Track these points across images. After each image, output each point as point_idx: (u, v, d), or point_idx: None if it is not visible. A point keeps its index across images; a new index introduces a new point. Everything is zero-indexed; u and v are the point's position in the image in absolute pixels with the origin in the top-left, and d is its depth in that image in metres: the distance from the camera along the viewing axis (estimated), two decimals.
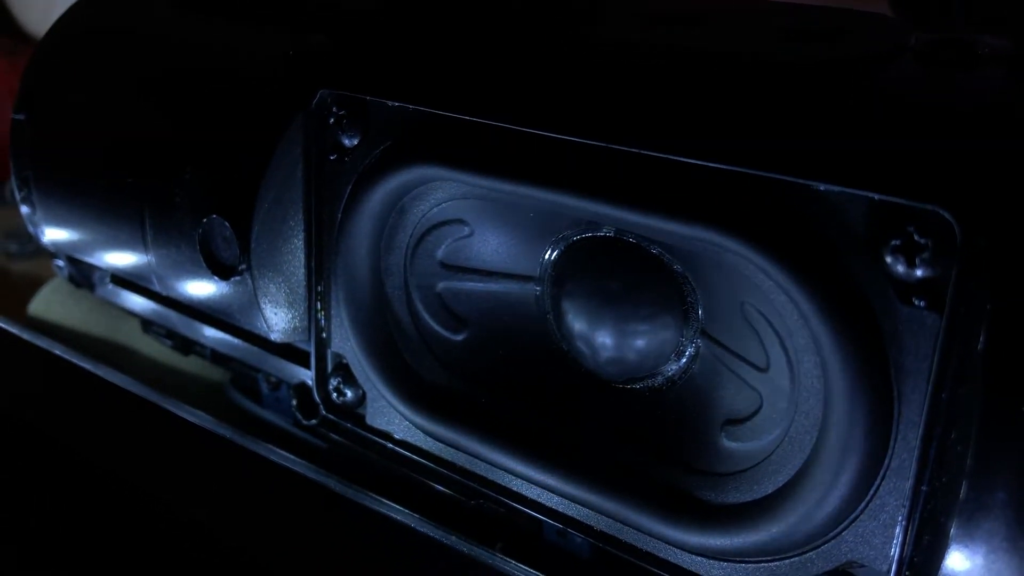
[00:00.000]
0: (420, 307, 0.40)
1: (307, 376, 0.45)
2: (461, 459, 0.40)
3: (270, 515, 0.42)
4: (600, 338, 0.36)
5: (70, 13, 0.54)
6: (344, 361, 0.42)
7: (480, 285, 0.39)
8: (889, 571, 0.29)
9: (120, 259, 0.49)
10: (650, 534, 0.35)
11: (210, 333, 0.49)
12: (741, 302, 0.33)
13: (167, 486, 0.44)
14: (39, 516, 0.42)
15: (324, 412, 0.44)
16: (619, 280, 0.36)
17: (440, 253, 0.39)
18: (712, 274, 0.34)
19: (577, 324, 0.36)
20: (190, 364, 0.57)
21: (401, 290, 0.40)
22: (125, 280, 0.53)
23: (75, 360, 0.52)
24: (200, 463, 0.45)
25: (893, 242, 0.27)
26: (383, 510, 0.41)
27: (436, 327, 0.40)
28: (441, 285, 0.40)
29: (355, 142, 0.39)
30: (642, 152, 0.31)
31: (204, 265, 0.43)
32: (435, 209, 0.38)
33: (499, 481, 0.39)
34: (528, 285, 0.39)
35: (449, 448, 0.40)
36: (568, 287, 0.37)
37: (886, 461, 0.29)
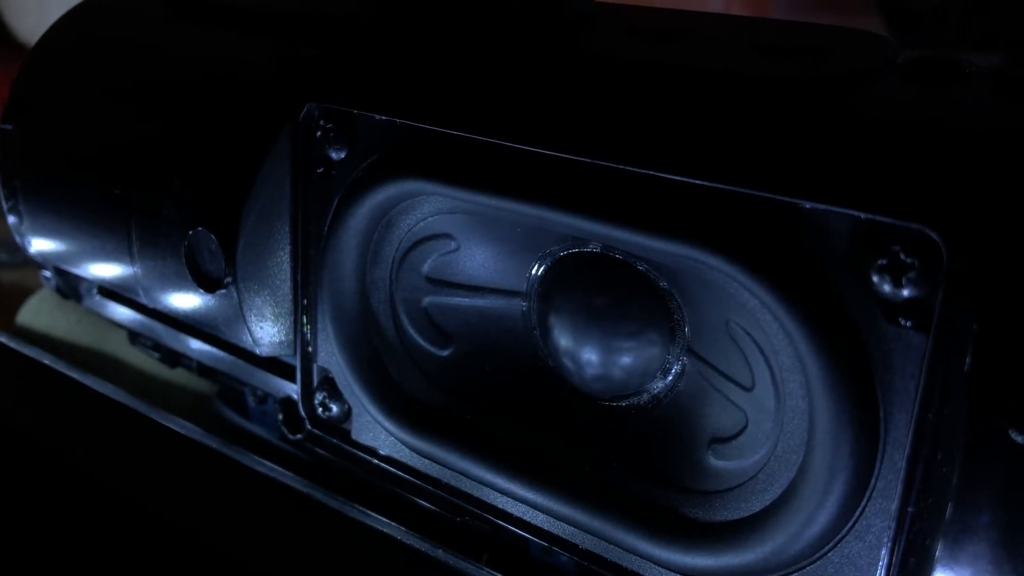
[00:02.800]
0: (406, 322, 0.40)
1: (293, 390, 0.44)
2: (447, 475, 0.40)
3: (258, 525, 0.42)
4: (586, 355, 0.36)
5: (61, 23, 0.54)
6: (330, 376, 0.42)
7: (466, 300, 0.39)
8: None
9: (107, 271, 0.49)
10: (636, 553, 0.34)
11: (196, 346, 0.49)
12: (726, 320, 0.33)
13: (155, 494, 0.43)
14: (26, 523, 0.42)
15: (310, 427, 0.44)
16: (605, 297, 0.35)
17: (426, 268, 0.39)
18: (698, 292, 0.33)
19: (563, 340, 0.36)
20: (177, 376, 0.57)
21: (387, 304, 0.40)
22: (112, 292, 0.53)
23: (63, 369, 0.52)
24: (188, 472, 0.45)
25: (879, 261, 0.27)
26: (370, 522, 0.40)
27: (422, 342, 0.40)
28: (427, 300, 0.40)
29: (342, 155, 0.39)
30: (628, 168, 0.31)
31: (190, 278, 0.43)
32: (421, 223, 0.38)
33: (485, 498, 0.39)
34: (514, 300, 0.38)
35: (435, 464, 0.40)
36: (554, 303, 0.37)
37: (872, 482, 0.29)
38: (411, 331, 0.40)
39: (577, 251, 0.36)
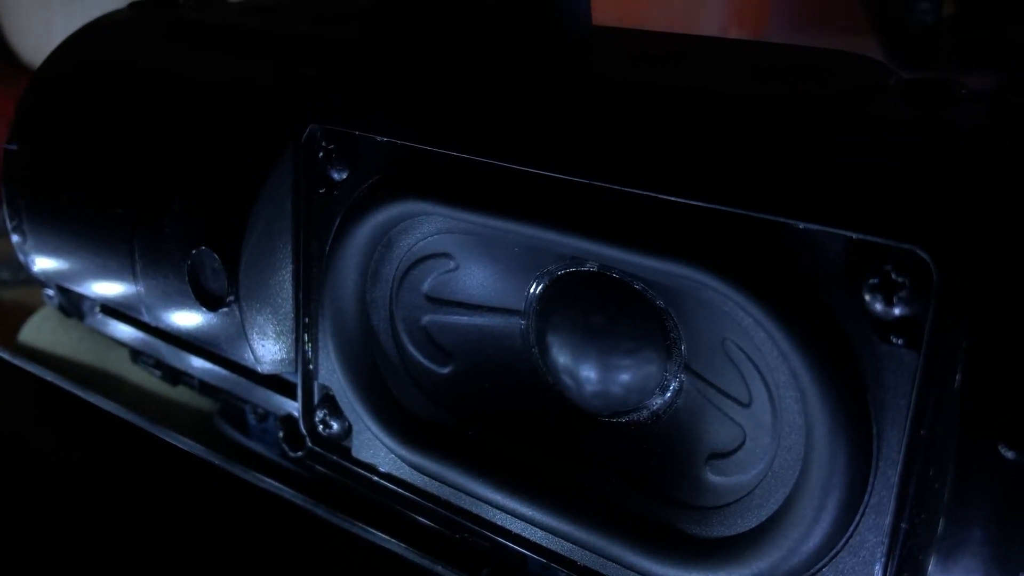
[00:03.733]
0: (406, 340, 0.40)
1: (294, 408, 0.45)
2: (446, 492, 0.40)
3: (259, 541, 0.42)
4: (584, 372, 0.36)
5: (66, 44, 0.55)
6: (331, 393, 0.42)
7: (465, 319, 0.40)
8: None
9: (109, 289, 0.49)
10: (634, 569, 0.35)
11: (198, 364, 0.50)
12: (723, 338, 0.33)
13: (157, 511, 0.43)
14: (29, 540, 0.42)
15: (310, 444, 0.44)
16: (602, 315, 0.36)
17: (425, 286, 0.40)
18: (694, 310, 0.34)
19: (562, 358, 0.37)
20: (179, 394, 0.57)
21: (387, 323, 0.40)
22: (114, 310, 0.53)
23: (65, 386, 0.52)
24: (189, 489, 0.45)
25: (871, 280, 0.28)
26: (370, 538, 0.41)
27: (422, 360, 0.40)
28: (426, 318, 0.40)
29: (344, 176, 0.39)
30: (623, 189, 0.32)
31: (192, 296, 0.43)
32: (421, 243, 0.39)
33: (484, 515, 0.39)
34: (513, 319, 0.39)
35: (434, 481, 0.40)
36: (552, 321, 0.37)
37: (866, 498, 0.29)
38: (411, 349, 0.40)
39: (575, 270, 0.37)
